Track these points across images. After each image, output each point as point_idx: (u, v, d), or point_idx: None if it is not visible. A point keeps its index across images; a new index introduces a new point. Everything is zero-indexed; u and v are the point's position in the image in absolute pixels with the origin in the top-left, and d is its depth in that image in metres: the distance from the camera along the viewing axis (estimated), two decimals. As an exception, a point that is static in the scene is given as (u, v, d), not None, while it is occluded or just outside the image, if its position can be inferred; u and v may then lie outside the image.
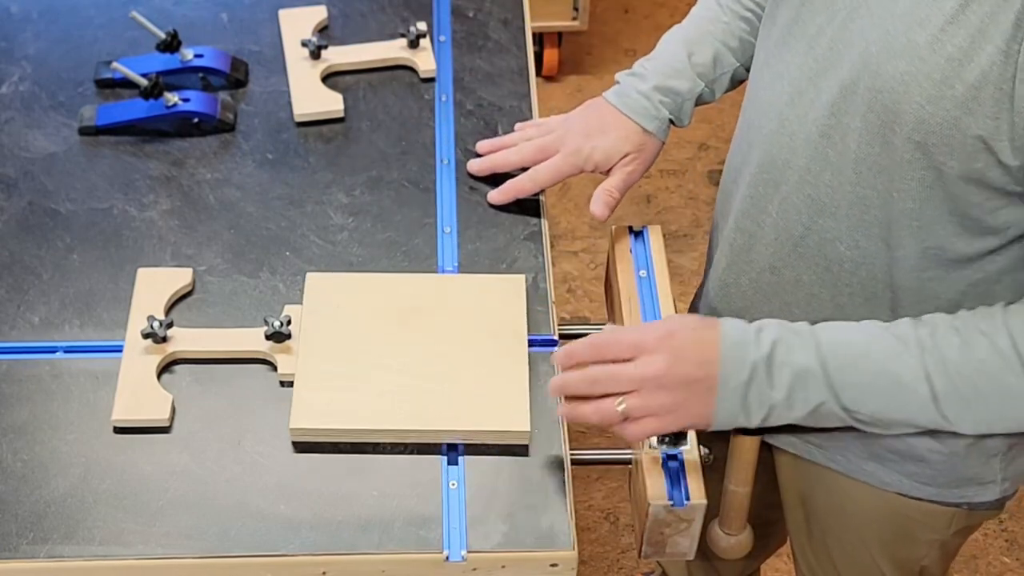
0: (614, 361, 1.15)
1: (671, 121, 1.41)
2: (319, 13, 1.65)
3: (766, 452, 1.37)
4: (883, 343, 1.13)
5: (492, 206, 1.44)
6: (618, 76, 1.43)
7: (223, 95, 1.55)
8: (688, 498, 1.20)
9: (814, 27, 1.14)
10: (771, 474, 1.46)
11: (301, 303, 1.33)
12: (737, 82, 1.42)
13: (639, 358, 1.14)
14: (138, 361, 1.28)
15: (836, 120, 1.12)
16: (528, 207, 1.45)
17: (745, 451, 1.33)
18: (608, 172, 1.41)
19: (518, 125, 1.49)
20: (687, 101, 1.40)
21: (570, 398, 1.17)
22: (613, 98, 1.41)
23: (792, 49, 1.17)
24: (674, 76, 1.39)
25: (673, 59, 1.40)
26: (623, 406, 1.14)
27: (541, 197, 1.46)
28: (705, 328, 1.15)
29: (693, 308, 1.50)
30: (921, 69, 1.04)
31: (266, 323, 1.29)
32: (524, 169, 1.44)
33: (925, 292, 1.16)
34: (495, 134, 1.52)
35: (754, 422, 1.15)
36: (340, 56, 1.59)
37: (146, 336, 1.29)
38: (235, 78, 1.57)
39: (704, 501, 1.20)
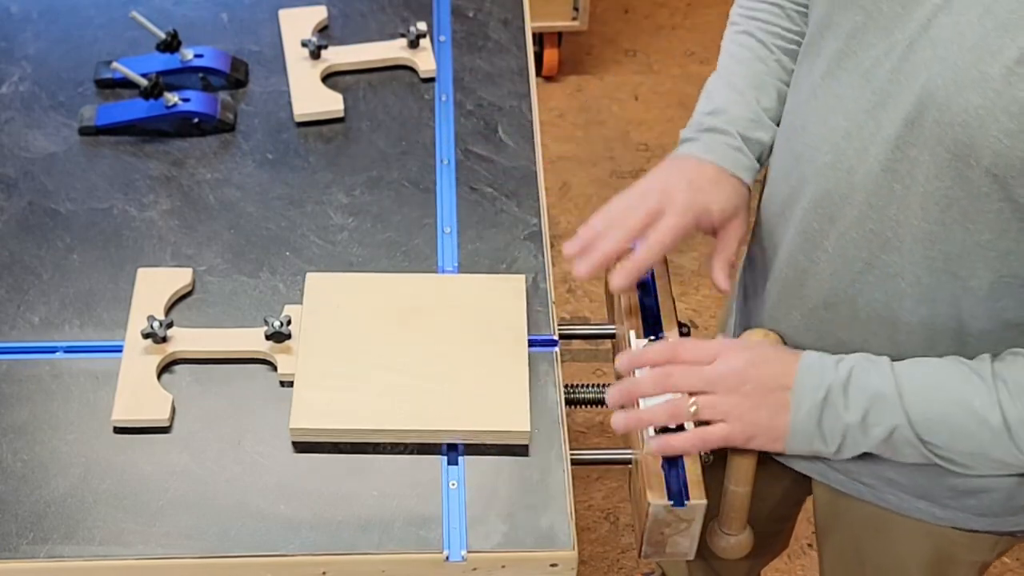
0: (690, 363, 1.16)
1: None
2: (319, 13, 1.65)
3: (790, 476, 1.37)
4: (956, 370, 1.12)
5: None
6: (691, 133, 1.32)
7: (223, 95, 1.55)
8: (688, 498, 1.20)
9: (869, 59, 1.11)
10: (785, 489, 1.46)
11: (301, 303, 1.33)
12: None
13: (717, 360, 1.15)
14: (138, 361, 1.28)
15: (902, 154, 1.09)
16: (528, 207, 1.45)
17: (745, 451, 1.33)
18: (716, 231, 1.31)
19: (603, 213, 1.33)
20: (767, 149, 1.32)
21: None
22: (705, 155, 1.29)
23: (844, 81, 1.14)
24: (755, 128, 1.31)
25: (747, 109, 1.31)
26: (695, 407, 1.13)
27: (541, 197, 1.46)
28: (786, 351, 1.18)
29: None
30: (997, 103, 1.01)
31: (266, 323, 1.29)
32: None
33: (995, 321, 1.14)
34: (495, 134, 1.52)
35: (831, 448, 1.15)
36: (340, 56, 1.59)
37: (146, 336, 1.29)
38: (235, 78, 1.57)
39: (704, 501, 1.20)
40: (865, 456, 1.20)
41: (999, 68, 1.00)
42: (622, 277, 1.26)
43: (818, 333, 1.23)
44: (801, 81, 1.22)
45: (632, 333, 1.32)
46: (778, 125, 1.31)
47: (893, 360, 1.15)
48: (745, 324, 1.38)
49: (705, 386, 1.14)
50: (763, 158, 1.32)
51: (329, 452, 1.23)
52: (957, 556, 1.33)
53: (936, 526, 1.29)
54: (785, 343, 1.27)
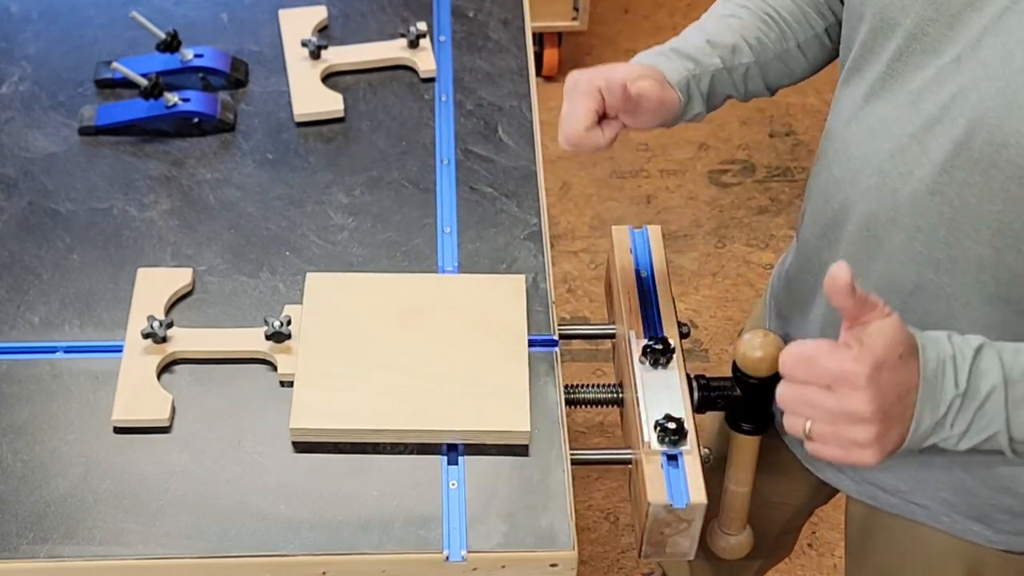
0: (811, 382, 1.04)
1: (687, 103, 1.27)
2: (319, 13, 1.65)
3: (812, 486, 1.36)
4: None
5: (492, 205, 1.43)
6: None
7: (223, 95, 1.55)
8: (688, 498, 1.20)
9: (916, 82, 1.10)
10: (806, 499, 1.47)
11: (301, 303, 1.33)
12: (752, 90, 1.32)
13: (840, 390, 1.00)
14: (138, 361, 1.28)
15: (949, 177, 1.08)
16: (528, 207, 1.45)
17: (745, 451, 1.33)
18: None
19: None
20: (704, 75, 1.27)
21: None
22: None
23: (888, 103, 1.13)
24: (692, 49, 1.28)
25: (691, 40, 1.29)
26: (810, 429, 1.03)
27: (541, 197, 1.46)
28: (910, 356, 1.02)
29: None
30: None
31: (266, 323, 1.29)
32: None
33: None
34: (495, 134, 1.52)
35: (917, 447, 1.07)
36: (340, 56, 1.59)
37: (146, 336, 1.29)
38: (235, 78, 1.57)
39: (704, 501, 1.20)
40: (921, 478, 1.21)
41: None
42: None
43: None
44: (841, 105, 1.20)
45: (632, 333, 1.32)
46: (726, 66, 1.28)
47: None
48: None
49: (826, 420, 1.01)
50: (700, 75, 1.26)
51: (329, 452, 1.23)
52: (985, 574, 1.32)
53: (976, 547, 1.28)
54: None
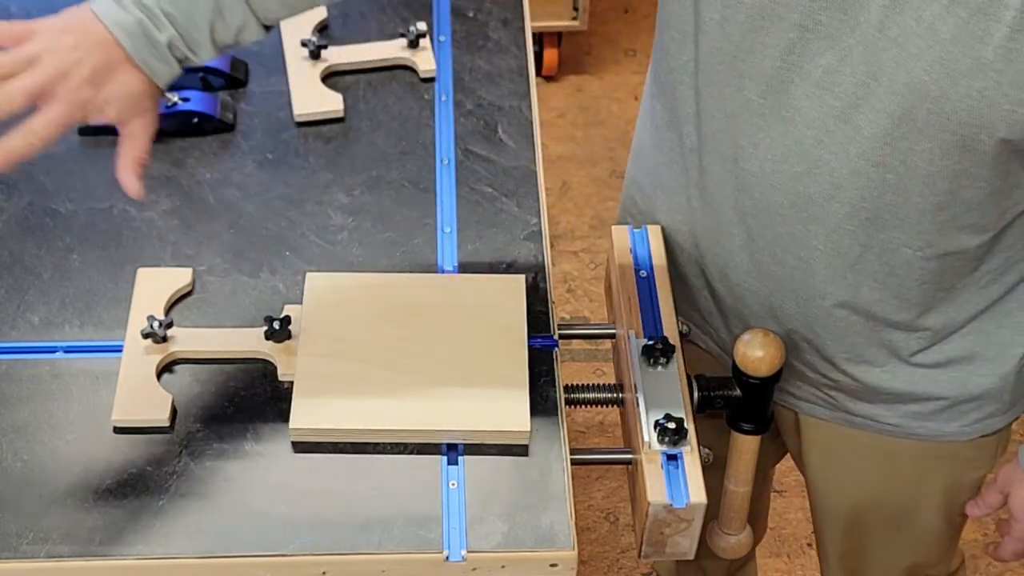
0: None
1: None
2: (319, 13, 1.65)
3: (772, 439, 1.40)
4: None
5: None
6: None
7: (223, 95, 1.55)
8: (688, 498, 1.20)
9: (819, 69, 1.12)
10: (763, 468, 1.47)
11: (301, 303, 1.33)
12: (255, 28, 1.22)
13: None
14: (138, 361, 1.28)
15: (891, 148, 1.11)
16: (528, 207, 1.45)
17: (745, 451, 1.33)
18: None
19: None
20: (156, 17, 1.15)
21: None
22: (106, 16, 1.14)
23: (795, 95, 1.14)
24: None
25: None
26: None
27: (541, 197, 1.46)
28: None
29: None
30: (1002, 81, 1.04)
31: (266, 323, 1.29)
32: None
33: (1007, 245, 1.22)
34: (495, 134, 1.52)
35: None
36: (340, 56, 1.59)
37: (146, 336, 1.29)
38: (235, 78, 1.57)
39: (704, 501, 1.20)
40: (890, 402, 1.31)
41: (993, 50, 1.03)
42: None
43: (816, 317, 1.27)
44: (719, 105, 1.21)
45: (632, 333, 1.32)
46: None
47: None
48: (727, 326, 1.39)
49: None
50: (153, 18, 1.15)
51: (329, 452, 1.23)
52: (965, 476, 1.40)
53: (948, 444, 1.35)
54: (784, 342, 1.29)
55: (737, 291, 1.32)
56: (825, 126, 1.14)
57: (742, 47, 1.16)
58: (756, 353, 1.25)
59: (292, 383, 1.26)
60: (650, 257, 1.39)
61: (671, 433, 1.22)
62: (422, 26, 1.59)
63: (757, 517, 1.69)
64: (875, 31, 1.08)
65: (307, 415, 1.23)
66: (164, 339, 1.29)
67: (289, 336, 1.29)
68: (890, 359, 1.30)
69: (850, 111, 1.12)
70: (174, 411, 1.26)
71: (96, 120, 1.16)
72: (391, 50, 1.60)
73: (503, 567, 1.17)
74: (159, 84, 1.18)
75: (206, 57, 1.19)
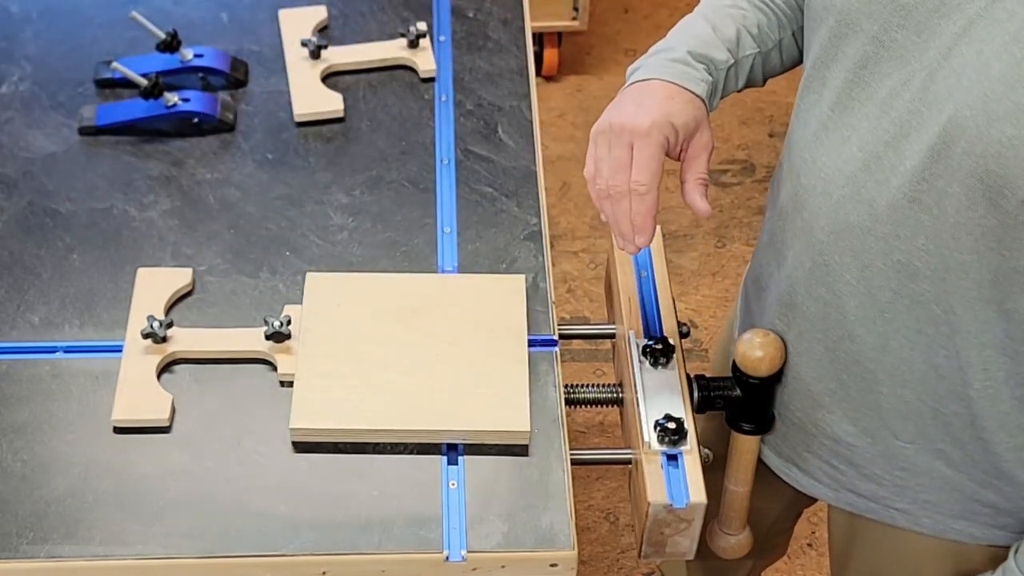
0: None
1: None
2: (319, 13, 1.65)
3: (791, 491, 1.36)
4: None
5: (491, 210, 1.43)
6: (635, 64, 1.25)
7: (223, 95, 1.55)
8: (688, 498, 1.20)
9: (884, 89, 1.09)
10: (787, 503, 1.46)
11: (301, 303, 1.33)
12: (752, 80, 1.29)
13: None
14: (138, 361, 1.28)
15: (928, 185, 1.07)
16: (528, 207, 1.45)
17: (745, 451, 1.33)
18: (680, 155, 1.22)
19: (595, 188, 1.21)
20: (720, 72, 1.24)
21: None
22: (648, 75, 1.21)
23: (857, 113, 1.12)
24: (703, 46, 1.23)
25: (699, 31, 1.25)
26: None
27: (541, 197, 1.46)
28: None
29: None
30: None
31: (266, 323, 1.29)
32: None
33: None
34: (495, 134, 1.52)
35: None
36: (340, 56, 1.59)
37: (146, 336, 1.29)
38: (235, 78, 1.57)
39: (704, 501, 1.20)
40: (901, 483, 1.23)
41: None
42: (643, 235, 1.18)
43: (843, 364, 1.21)
44: (806, 114, 1.19)
45: (632, 333, 1.32)
46: (734, 59, 1.25)
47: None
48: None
49: None
50: (718, 78, 1.24)
51: (329, 452, 1.23)
52: (975, 571, 1.31)
53: (959, 545, 1.28)
54: (807, 376, 1.25)
55: (766, 317, 1.28)
56: (875, 151, 1.10)
57: (828, 53, 1.14)
58: (756, 353, 1.25)
59: (292, 383, 1.26)
60: (650, 257, 1.39)
61: (671, 433, 1.22)
62: (422, 26, 1.59)
63: (776, 543, 1.67)
64: (940, 58, 1.04)
65: (307, 415, 1.24)
66: (164, 339, 1.29)
67: (289, 336, 1.29)
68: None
69: (899, 139, 1.08)
70: (174, 411, 1.26)
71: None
72: (391, 50, 1.60)
73: (503, 567, 1.17)
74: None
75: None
